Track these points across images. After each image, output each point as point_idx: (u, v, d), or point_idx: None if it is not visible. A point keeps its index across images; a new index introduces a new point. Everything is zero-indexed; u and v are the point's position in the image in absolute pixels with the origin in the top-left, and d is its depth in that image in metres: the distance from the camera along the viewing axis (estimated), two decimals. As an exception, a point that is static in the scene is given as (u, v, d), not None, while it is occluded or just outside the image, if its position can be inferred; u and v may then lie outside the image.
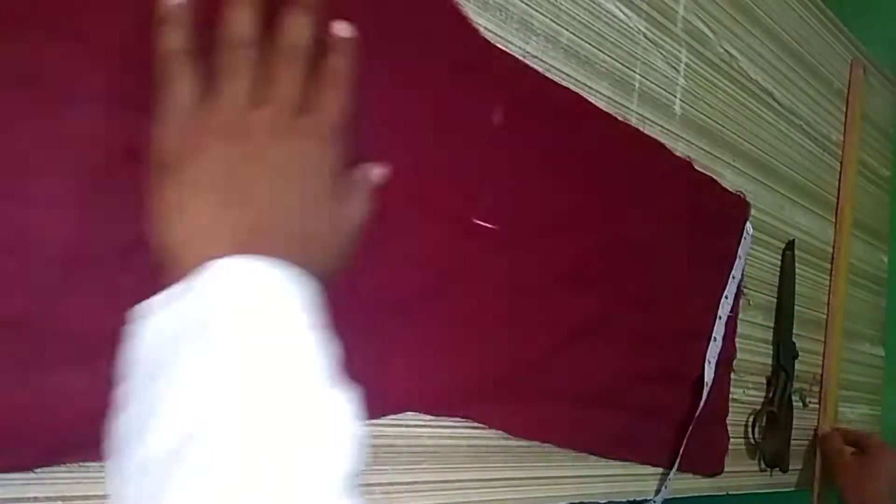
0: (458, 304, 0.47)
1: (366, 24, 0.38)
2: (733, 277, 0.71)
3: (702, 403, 0.64)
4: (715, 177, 0.70)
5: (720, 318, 0.69)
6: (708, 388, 0.65)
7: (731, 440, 0.74)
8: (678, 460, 0.64)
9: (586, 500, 0.57)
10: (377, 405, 0.42)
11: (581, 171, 0.55)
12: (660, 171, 0.63)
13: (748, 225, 0.74)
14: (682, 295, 0.65)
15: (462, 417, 0.47)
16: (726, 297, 0.70)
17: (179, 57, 0.31)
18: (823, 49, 0.89)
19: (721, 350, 0.69)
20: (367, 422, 0.42)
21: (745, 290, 0.75)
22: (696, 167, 0.67)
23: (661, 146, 0.63)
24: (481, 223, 0.48)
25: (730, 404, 0.73)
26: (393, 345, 0.43)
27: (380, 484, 0.43)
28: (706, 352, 0.67)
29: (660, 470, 0.64)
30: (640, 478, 0.63)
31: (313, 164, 0.33)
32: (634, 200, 0.60)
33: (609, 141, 0.57)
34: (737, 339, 0.74)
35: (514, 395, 0.51)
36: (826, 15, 0.89)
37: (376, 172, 0.39)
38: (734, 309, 0.72)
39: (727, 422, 0.73)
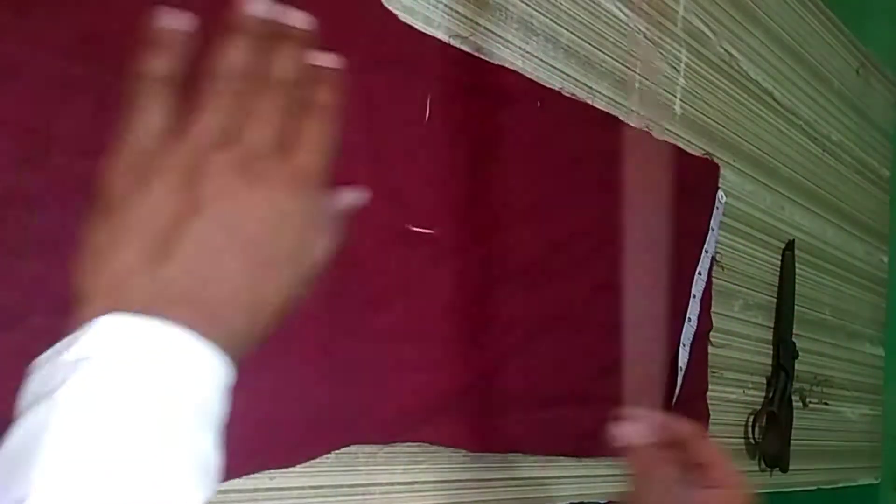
0: (399, 321, 0.42)
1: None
2: (706, 252, 0.67)
3: (677, 390, 0.62)
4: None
5: (694, 296, 0.65)
6: (682, 373, 0.63)
7: (732, 440, 0.74)
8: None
9: (586, 500, 0.57)
10: (305, 448, 0.39)
11: (524, 156, 0.50)
12: (614, 146, 0.57)
13: (720, 193, 0.70)
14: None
15: (413, 442, 0.45)
16: (699, 274, 0.66)
17: (158, 83, 0.28)
18: (824, 49, 0.89)
19: (696, 327, 0.65)
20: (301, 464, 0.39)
21: (719, 259, 0.71)
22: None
23: (613, 119, 0.58)
24: (417, 229, 0.44)
25: (715, 385, 0.72)
26: (321, 377, 0.39)
27: (380, 484, 0.43)
28: (680, 334, 0.64)
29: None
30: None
31: (276, 217, 0.28)
32: (587, 181, 0.55)
33: (554, 119, 0.52)
34: (735, 339, 0.74)
35: (469, 409, 0.47)
36: (826, 15, 0.89)
37: (351, 199, 0.34)
38: (709, 283, 0.68)
39: (731, 424, 0.73)
